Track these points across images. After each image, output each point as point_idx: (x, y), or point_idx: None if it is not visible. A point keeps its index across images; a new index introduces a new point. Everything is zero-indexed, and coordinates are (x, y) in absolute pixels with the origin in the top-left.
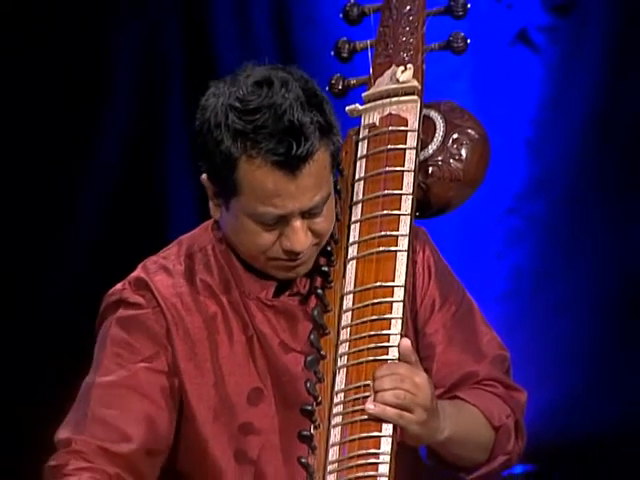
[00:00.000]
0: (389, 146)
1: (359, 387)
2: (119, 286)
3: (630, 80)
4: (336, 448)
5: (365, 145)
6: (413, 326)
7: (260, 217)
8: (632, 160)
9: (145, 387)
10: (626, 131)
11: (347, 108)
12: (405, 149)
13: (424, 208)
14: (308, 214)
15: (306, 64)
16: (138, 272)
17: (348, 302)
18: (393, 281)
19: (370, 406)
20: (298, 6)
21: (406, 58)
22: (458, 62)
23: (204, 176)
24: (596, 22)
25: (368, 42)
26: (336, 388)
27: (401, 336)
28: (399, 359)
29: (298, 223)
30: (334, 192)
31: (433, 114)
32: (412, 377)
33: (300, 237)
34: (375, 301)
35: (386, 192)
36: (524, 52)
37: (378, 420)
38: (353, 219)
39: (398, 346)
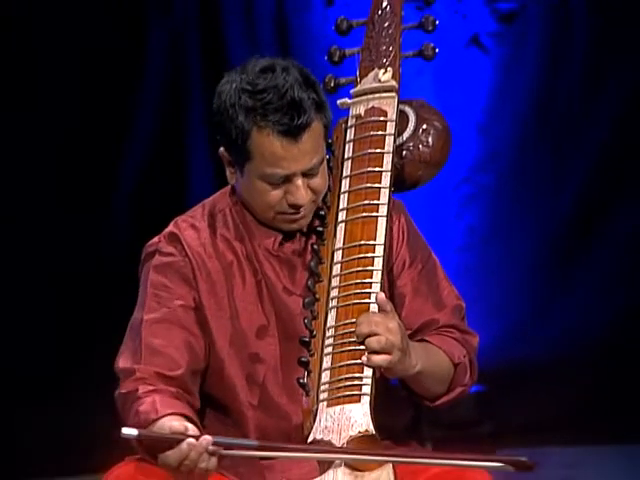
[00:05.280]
0: (372, 132)
1: (346, 324)
2: (156, 239)
3: (561, 74)
4: (327, 372)
5: (352, 131)
6: (388, 279)
7: (269, 177)
8: (562, 139)
9: (183, 320)
10: (558, 115)
11: (338, 102)
12: (385, 135)
13: (398, 184)
14: (307, 174)
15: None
16: (171, 228)
17: (338, 256)
18: (375, 240)
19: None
20: (296, 19)
21: (386, 63)
22: (423, 61)
23: (221, 149)
24: (535, 29)
25: (355, 49)
26: (328, 324)
27: (380, 284)
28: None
29: (300, 181)
30: (327, 169)
31: (407, 109)
32: (385, 323)
33: (302, 193)
34: (360, 256)
35: (369, 169)
36: (476, 53)
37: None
38: (342, 190)
39: (376, 298)
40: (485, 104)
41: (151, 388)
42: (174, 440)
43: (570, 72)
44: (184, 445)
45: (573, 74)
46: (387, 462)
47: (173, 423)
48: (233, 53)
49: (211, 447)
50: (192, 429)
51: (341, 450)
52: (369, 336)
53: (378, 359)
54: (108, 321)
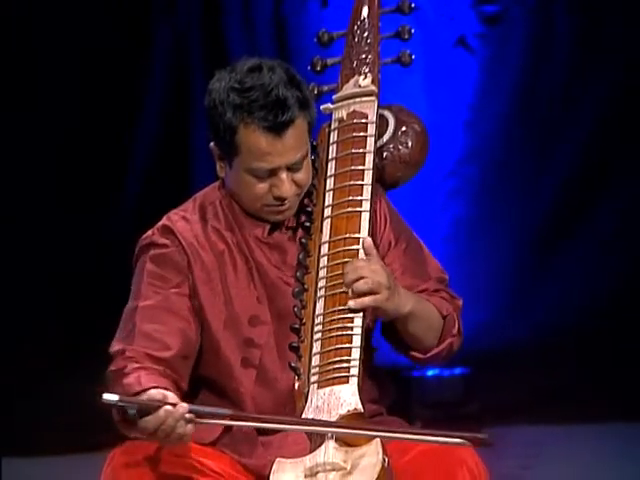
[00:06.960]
0: (354, 134)
1: (334, 312)
2: (149, 232)
3: (542, 74)
4: (317, 356)
5: (336, 134)
6: None
7: (255, 171)
8: (544, 135)
9: (176, 307)
10: (539, 113)
11: (321, 107)
12: (366, 136)
13: (379, 184)
14: (292, 168)
15: (299, 64)
16: (164, 221)
17: (325, 249)
18: (359, 233)
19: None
20: (293, 19)
21: (366, 70)
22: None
23: (212, 144)
24: (517, 31)
25: (336, 59)
26: (317, 312)
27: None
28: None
29: (284, 175)
30: (312, 168)
31: (386, 113)
32: (369, 266)
33: (286, 186)
34: (345, 248)
35: (352, 168)
36: (463, 53)
37: (350, 332)
38: (327, 188)
39: (362, 243)
40: (471, 101)
41: (138, 366)
42: (152, 407)
43: (552, 72)
44: (161, 412)
45: (555, 73)
46: (368, 437)
47: (151, 392)
48: (233, 53)
49: (187, 415)
50: (171, 397)
51: (304, 422)
52: (357, 281)
53: (368, 300)
54: (108, 321)
